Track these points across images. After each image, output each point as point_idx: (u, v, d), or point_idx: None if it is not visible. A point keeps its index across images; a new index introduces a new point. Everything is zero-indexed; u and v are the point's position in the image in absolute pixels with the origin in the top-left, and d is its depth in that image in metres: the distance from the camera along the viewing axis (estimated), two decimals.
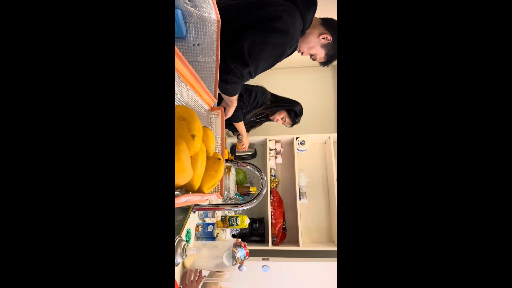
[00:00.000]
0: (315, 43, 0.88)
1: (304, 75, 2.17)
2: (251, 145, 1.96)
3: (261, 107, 1.45)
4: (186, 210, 0.84)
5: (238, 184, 1.81)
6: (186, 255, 0.62)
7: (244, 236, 1.75)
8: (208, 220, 1.15)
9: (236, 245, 0.96)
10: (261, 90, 1.42)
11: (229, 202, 1.47)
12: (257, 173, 0.85)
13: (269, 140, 1.83)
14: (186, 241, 0.94)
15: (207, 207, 0.87)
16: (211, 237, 1.08)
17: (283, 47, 0.78)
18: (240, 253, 0.93)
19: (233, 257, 0.91)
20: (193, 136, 0.41)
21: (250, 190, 1.75)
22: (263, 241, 1.75)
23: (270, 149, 1.84)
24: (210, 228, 1.07)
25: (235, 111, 1.31)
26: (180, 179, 0.37)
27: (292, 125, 1.55)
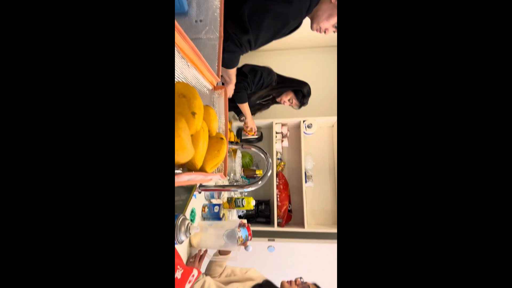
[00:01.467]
0: (332, 9, 0.81)
1: (311, 56, 2.10)
2: (257, 129, 1.94)
3: (266, 88, 1.41)
4: (190, 189, 0.85)
5: (244, 167, 1.82)
6: (190, 233, 0.63)
7: (250, 218, 1.78)
8: (214, 201, 1.17)
9: (240, 226, 0.97)
10: (267, 70, 1.38)
11: (236, 182, 1.48)
12: (262, 155, 0.84)
13: (276, 124, 1.80)
14: (191, 220, 0.96)
15: (212, 188, 0.88)
16: (217, 217, 1.10)
17: (286, 17, 0.74)
18: (242, 233, 0.94)
19: (234, 236, 0.92)
20: (193, 113, 0.40)
21: (256, 173, 1.76)
22: (269, 222, 1.77)
23: (277, 133, 1.82)
24: (216, 209, 1.09)
25: (239, 92, 1.28)
26: (180, 156, 0.37)
27: (299, 107, 1.51)
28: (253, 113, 1.60)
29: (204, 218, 1.11)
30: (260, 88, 1.39)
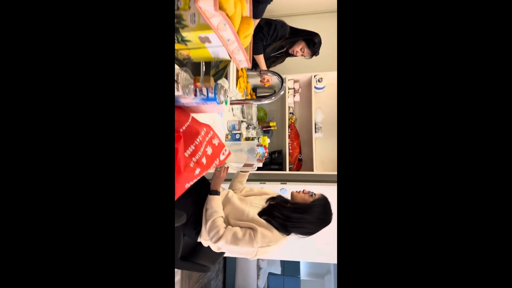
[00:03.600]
0: None
1: (323, 21, 2.19)
2: (271, 87, 2.10)
3: (280, 40, 1.56)
4: (223, 69, 0.97)
5: (259, 120, 2.00)
6: (227, 96, 0.76)
7: (264, 165, 1.98)
8: (235, 132, 1.36)
9: (258, 145, 1.17)
10: (281, 23, 1.52)
11: (253, 129, 1.67)
12: (276, 78, 1.01)
13: (288, 80, 1.95)
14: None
15: (236, 101, 1.06)
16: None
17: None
18: (260, 149, 1.14)
19: (254, 151, 1.12)
20: None
21: (270, 125, 1.94)
22: (281, 169, 1.97)
23: (289, 88, 1.97)
24: (237, 136, 1.29)
25: (255, 43, 1.44)
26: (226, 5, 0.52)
27: (311, 56, 1.64)
28: (268, 66, 1.76)
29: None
30: (274, 40, 1.53)
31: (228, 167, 1.13)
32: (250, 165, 1.21)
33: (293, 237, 0.99)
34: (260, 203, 1.15)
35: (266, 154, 1.17)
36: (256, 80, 1.98)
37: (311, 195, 1.11)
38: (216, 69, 0.78)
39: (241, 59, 0.69)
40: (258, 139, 1.52)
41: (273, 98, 0.95)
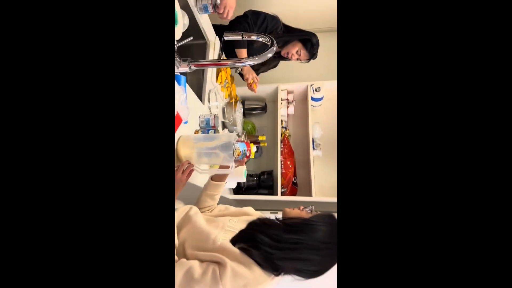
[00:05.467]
0: None
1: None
2: (261, 99, 1.84)
3: (270, 35, 1.34)
4: None
5: (246, 133, 1.69)
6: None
7: (251, 189, 1.60)
8: (209, 129, 1.02)
9: (238, 141, 0.83)
10: (271, 15, 1.32)
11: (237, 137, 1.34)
12: (263, 39, 0.72)
13: (281, 90, 1.71)
14: None
15: (206, 63, 0.74)
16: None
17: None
18: (239, 145, 0.79)
19: (230, 147, 0.77)
20: None
21: (259, 139, 1.62)
22: (271, 194, 1.58)
23: (282, 99, 1.71)
24: (211, 133, 0.95)
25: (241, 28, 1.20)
26: None
27: (308, 60, 1.42)
28: (257, 68, 1.52)
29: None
30: (262, 32, 1.31)
31: (191, 166, 0.76)
32: (226, 168, 0.85)
33: (287, 279, 0.59)
34: (237, 226, 0.76)
35: (248, 154, 0.82)
36: (244, 90, 1.72)
37: (310, 211, 0.74)
38: None
39: None
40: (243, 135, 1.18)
41: (256, 58, 0.65)
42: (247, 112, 1.80)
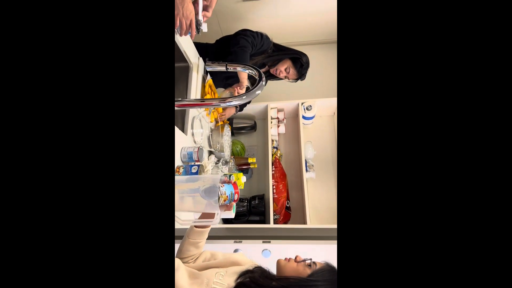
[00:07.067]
0: None
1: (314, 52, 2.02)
2: (250, 117, 1.76)
3: (262, 54, 1.26)
4: None
5: (236, 155, 1.59)
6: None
7: (241, 216, 1.49)
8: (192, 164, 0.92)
9: (224, 182, 0.73)
10: (264, 34, 1.24)
11: (224, 164, 1.24)
12: (251, 72, 0.64)
13: (271, 108, 1.62)
14: None
15: (190, 103, 0.64)
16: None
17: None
18: (226, 188, 0.69)
19: (215, 192, 0.67)
20: None
21: (249, 161, 1.53)
22: (263, 221, 1.48)
23: (272, 118, 1.63)
24: (194, 169, 0.84)
25: (242, 51, 1.09)
26: None
27: (296, 80, 1.35)
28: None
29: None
30: (256, 52, 1.22)
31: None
32: (211, 216, 0.75)
33: None
34: (226, 281, 0.66)
35: (236, 197, 0.72)
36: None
37: (309, 265, 0.65)
38: None
39: None
40: (229, 176, 1.08)
41: (244, 97, 0.56)
42: (235, 132, 1.70)
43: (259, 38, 1.16)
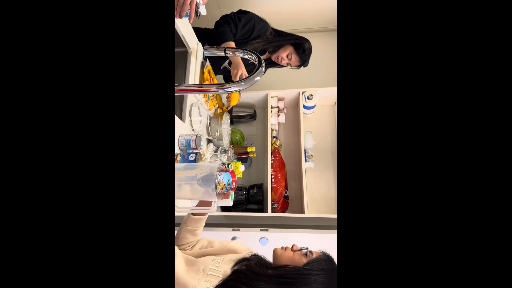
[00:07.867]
0: None
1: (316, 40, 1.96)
2: (250, 106, 1.73)
3: (261, 41, 1.23)
4: None
5: (235, 144, 1.58)
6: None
7: (239, 204, 1.50)
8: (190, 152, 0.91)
9: (221, 170, 0.72)
10: (259, 17, 1.20)
11: (222, 153, 1.24)
12: (250, 57, 0.62)
13: (271, 97, 1.60)
14: None
15: (187, 88, 0.63)
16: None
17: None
18: (224, 176, 0.69)
19: (212, 180, 0.66)
20: None
21: (248, 150, 1.52)
22: (261, 210, 1.49)
23: (272, 107, 1.61)
24: (192, 157, 0.83)
25: (221, 26, 1.08)
26: None
27: (299, 66, 1.32)
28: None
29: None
30: (249, 36, 1.19)
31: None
32: (208, 204, 0.75)
33: None
34: (222, 268, 0.67)
35: (234, 186, 0.72)
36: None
37: (305, 254, 0.66)
38: None
39: None
40: (227, 165, 1.07)
41: (242, 83, 0.54)
42: (235, 120, 1.68)
43: (247, 18, 1.13)
